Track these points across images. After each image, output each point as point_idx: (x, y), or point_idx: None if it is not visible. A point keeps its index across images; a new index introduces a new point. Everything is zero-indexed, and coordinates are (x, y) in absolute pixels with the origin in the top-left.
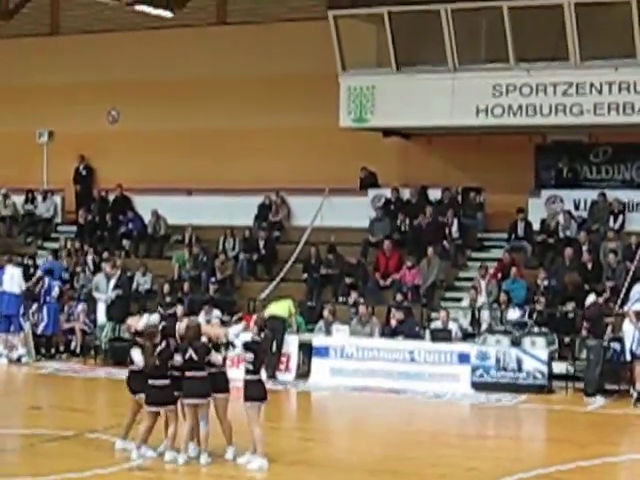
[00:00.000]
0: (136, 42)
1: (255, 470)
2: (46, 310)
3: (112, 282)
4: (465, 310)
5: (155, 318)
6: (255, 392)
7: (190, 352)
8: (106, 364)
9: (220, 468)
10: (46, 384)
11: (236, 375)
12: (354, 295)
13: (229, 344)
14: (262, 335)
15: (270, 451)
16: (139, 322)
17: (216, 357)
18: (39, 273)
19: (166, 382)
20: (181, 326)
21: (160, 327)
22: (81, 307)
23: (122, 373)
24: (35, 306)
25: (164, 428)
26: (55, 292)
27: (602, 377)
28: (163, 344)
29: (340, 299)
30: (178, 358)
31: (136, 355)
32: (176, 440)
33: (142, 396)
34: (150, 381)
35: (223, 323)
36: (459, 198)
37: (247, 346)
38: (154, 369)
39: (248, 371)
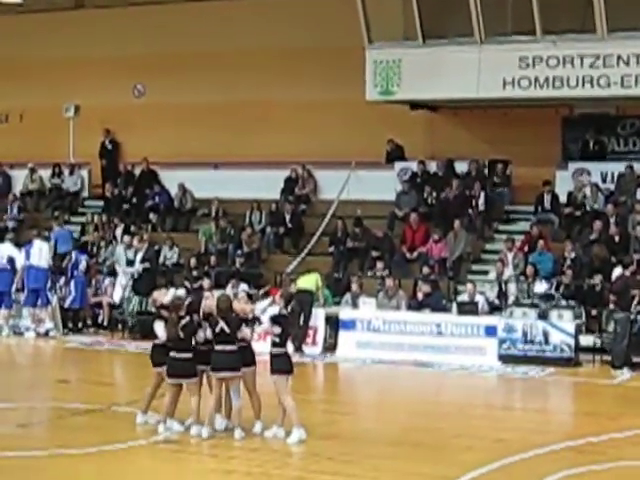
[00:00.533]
0: (162, 15)
1: (295, 442)
2: (73, 284)
3: (139, 255)
4: (492, 283)
5: (181, 293)
6: (282, 365)
7: (222, 325)
8: (133, 338)
9: (248, 442)
10: (73, 358)
11: (262, 348)
12: (380, 267)
13: (256, 319)
14: (289, 308)
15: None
16: (165, 296)
17: (245, 332)
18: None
19: (188, 355)
20: (207, 303)
21: (186, 302)
22: (108, 281)
23: (149, 347)
24: (62, 280)
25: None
26: (82, 266)
27: (629, 350)
28: (187, 318)
29: (367, 272)
30: (201, 334)
31: (159, 328)
32: (201, 413)
33: (164, 369)
34: (172, 353)
35: (250, 297)
36: (486, 171)
37: (274, 319)
38: (177, 341)
39: (275, 344)
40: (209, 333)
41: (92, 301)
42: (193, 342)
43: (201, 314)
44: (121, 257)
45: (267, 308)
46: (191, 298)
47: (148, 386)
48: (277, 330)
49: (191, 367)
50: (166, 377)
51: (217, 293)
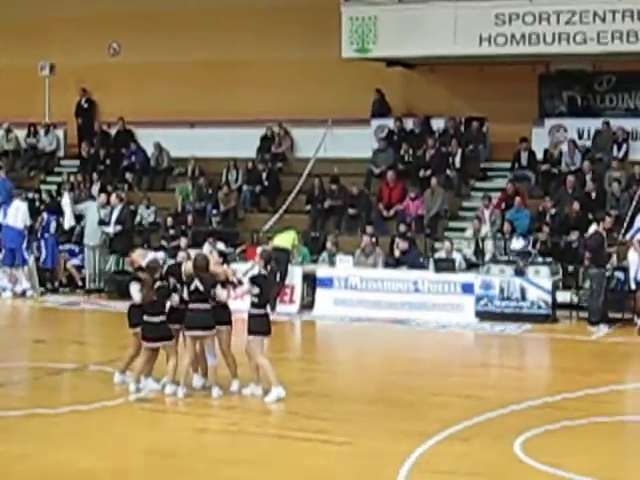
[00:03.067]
0: None
1: (273, 401)
2: (44, 245)
3: (114, 215)
4: (469, 240)
5: (160, 255)
6: (259, 326)
7: (196, 282)
8: (110, 297)
9: (224, 400)
10: (50, 318)
11: (239, 307)
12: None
13: (238, 282)
14: (268, 268)
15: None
16: (144, 258)
17: (221, 292)
18: None
19: (162, 318)
20: (186, 266)
21: (166, 266)
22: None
23: (126, 306)
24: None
25: (166, 362)
26: (53, 227)
27: (606, 306)
28: (163, 281)
29: (344, 230)
30: (176, 298)
31: (134, 290)
32: (177, 373)
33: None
34: (145, 317)
35: (224, 256)
36: (462, 128)
37: (253, 280)
38: (151, 305)
39: (253, 304)
40: (185, 293)
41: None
42: (167, 305)
43: (183, 277)
44: (93, 214)
45: (249, 272)
46: (170, 262)
47: (128, 346)
48: (256, 291)
49: (166, 329)
50: (142, 340)
51: (194, 253)
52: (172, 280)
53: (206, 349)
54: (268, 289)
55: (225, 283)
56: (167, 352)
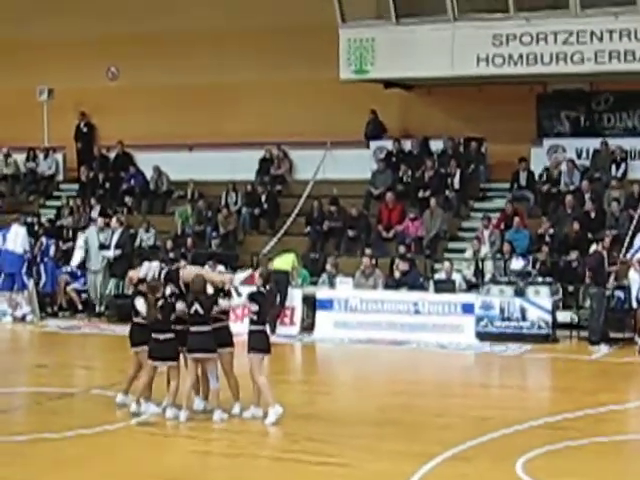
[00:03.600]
0: None
1: (272, 422)
2: (43, 269)
3: (115, 239)
4: (468, 261)
5: (155, 265)
6: (258, 343)
7: (196, 306)
8: (110, 321)
9: (226, 423)
10: (51, 342)
11: (240, 329)
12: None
13: (235, 290)
14: (267, 287)
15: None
16: (140, 271)
17: (223, 303)
18: None
19: (170, 336)
20: (185, 273)
21: (164, 273)
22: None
23: (126, 329)
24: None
25: (167, 384)
26: (52, 251)
27: (606, 325)
28: (167, 292)
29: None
30: (180, 306)
31: (139, 304)
32: (178, 396)
33: (142, 348)
34: (153, 335)
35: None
36: (461, 149)
37: (252, 297)
38: (157, 323)
39: (252, 322)
40: (182, 307)
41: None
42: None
43: (182, 285)
44: (94, 239)
45: (245, 278)
46: (168, 268)
47: (128, 369)
48: (255, 308)
49: (173, 348)
50: (148, 359)
51: (192, 268)
52: (171, 287)
53: (208, 372)
54: (267, 307)
55: (223, 292)
56: (169, 373)
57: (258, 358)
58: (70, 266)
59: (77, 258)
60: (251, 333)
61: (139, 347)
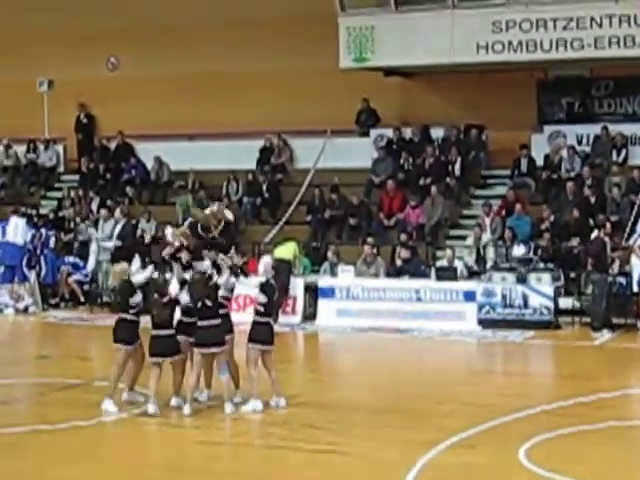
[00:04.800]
0: None
1: (249, 411)
2: (44, 260)
3: (117, 230)
4: (470, 248)
5: (150, 271)
6: (261, 335)
7: (204, 300)
8: (112, 312)
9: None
10: (53, 333)
11: (241, 319)
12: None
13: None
14: (277, 279)
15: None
16: (138, 277)
17: (229, 282)
18: None
19: (171, 332)
20: (168, 230)
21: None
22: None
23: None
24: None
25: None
26: (52, 242)
27: (608, 311)
28: (167, 297)
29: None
30: (185, 298)
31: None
32: (182, 390)
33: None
34: (154, 331)
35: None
36: (461, 136)
37: (262, 289)
38: (160, 319)
39: (258, 313)
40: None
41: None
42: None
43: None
44: (94, 234)
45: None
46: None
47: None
48: (263, 299)
49: (175, 344)
50: (149, 356)
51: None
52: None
53: (218, 363)
54: (274, 299)
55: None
56: (173, 367)
57: (257, 348)
58: (73, 257)
59: (92, 262)
60: (255, 324)
61: (121, 344)
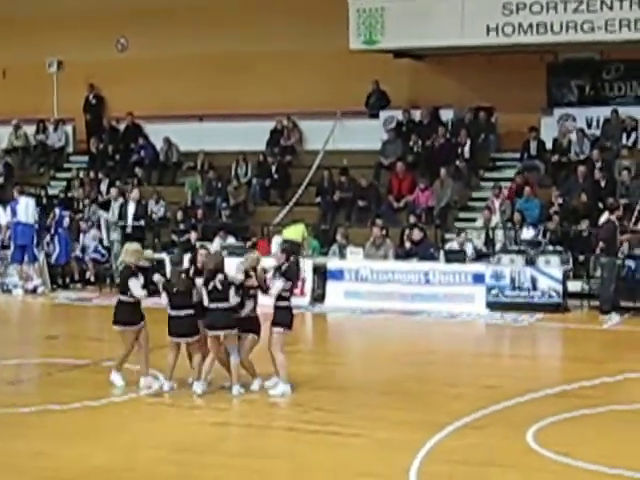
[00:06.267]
0: None
1: (278, 395)
2: (57, 240)
3: (130, 210)
4: (479, 230)
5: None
6: (285, 318)
7: (215, 282)
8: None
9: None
10: (62, 314)
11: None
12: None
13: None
14: (291, 260)
15: (289, 375)
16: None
17: (234, 297)
18: None
19: (190, 312)
20: (200, 260)
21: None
22: (91, 236)
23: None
24: (48, 237)
25: (189, 360)
26: (66, 222)
27: (617, 294)
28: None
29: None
30: (199, 282)
31: (133, 284)
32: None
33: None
34: (173, 312)
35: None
36: (471, 118)
37: (286, 275)
38: (177, 298)
39: (281, 298)
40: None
41: (75, 255)
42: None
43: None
44: (102, 215)
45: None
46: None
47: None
48: (288, 285)
49: (193, 325)
50: (168, 336)
51: (211, 247)
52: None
53: (229, 347)
54: (295, 282)
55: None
56: (190, 349)
57: (281, 333)
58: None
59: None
60: (278, 308)
61: (120, 325)
